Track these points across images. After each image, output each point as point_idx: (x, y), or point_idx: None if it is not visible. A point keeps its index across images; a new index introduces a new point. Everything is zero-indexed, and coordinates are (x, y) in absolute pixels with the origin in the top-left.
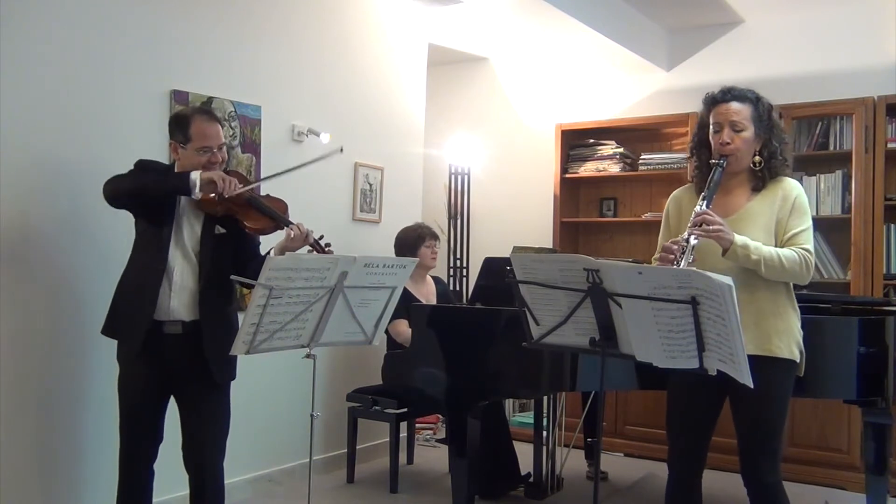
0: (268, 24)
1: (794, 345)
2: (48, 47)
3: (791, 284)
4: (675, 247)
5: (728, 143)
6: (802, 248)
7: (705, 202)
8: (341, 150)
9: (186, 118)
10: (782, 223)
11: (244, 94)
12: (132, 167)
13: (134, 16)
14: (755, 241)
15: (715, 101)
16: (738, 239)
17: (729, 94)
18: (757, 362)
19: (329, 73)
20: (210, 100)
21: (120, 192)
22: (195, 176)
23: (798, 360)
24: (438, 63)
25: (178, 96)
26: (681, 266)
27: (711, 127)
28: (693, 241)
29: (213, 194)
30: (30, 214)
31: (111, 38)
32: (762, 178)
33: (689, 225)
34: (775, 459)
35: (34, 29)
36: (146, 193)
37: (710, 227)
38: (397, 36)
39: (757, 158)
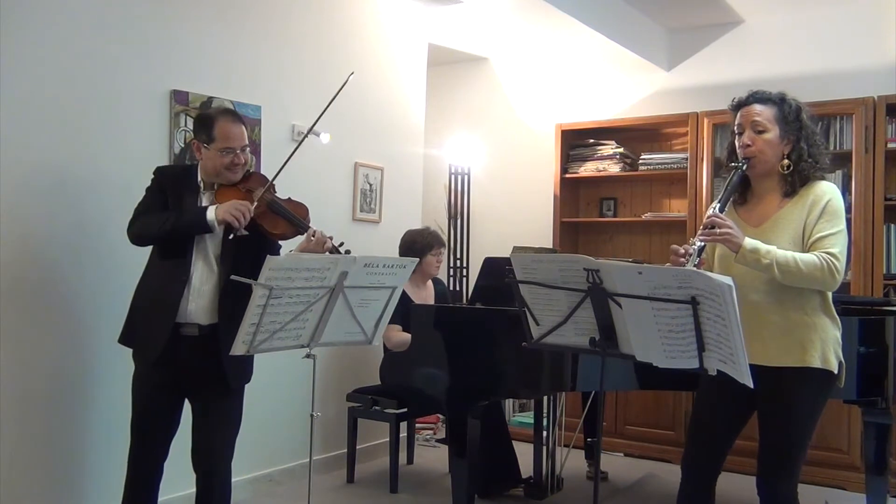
0: (268, 24)
1: (830, 354)
2: (48, 48)
3: (829, 293)
4: (683, 250)
5: (749, 145)
6: (827, 252)
7: (719, 205)
8: (352, 73)
9: (211, 118)
10: (809, 227)
11: (244, 94)
12: (152, 174)
13: (134, 16)
14: (769, 246)
15: (739, 104)
16: (748, 242)
17: (752, 96)
18: (789, 374)
19: (329, 72)
20: (210, 100)
21: (144, 238)
22: (211, 215)
23: (836, 371)
24: (438, 63)
25: (178, 96)
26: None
27: (735, 130)
28: (699, 243)
29: (230, 235)
30: (31, 216)
31: (111, 38)
32: (792, 182)
33: (700, 228)
34: (792, 477)
35: (34, 29)
36: (171, 238)
37: (718, 231)
38: (397, 36)
39: (785, 162)
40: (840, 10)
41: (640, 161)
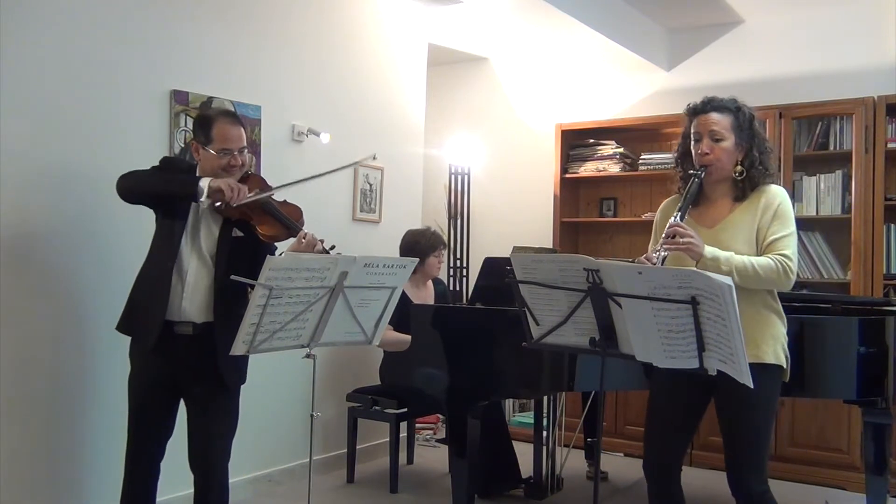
0: (268, 23)
1: (780, 349)
2: (48, 48)
3: (775, 290)
4: (647, 262)
5: (707, 154)
6: (780, 255)
7: (679, 214)
8: (374, 157)
9: (209, 119)
10: (763, 230)
11: (244, 94)
12: (157, 163)
13: (134, 16)
14: (727, 252)
15: (695, 111)
16: (708, 251)
17: (709, 104)
18: None
19: (329, 73)
20: (210, 100)
21: (130, 190)
22: (204, 183)
23: (785, 366)
24: (438, 63)
25: (178, 96)
26: None
27: (692, 137)
28: (663, 253)
29: (219, 202)
30: (31, 215)
31: (111, 38)
32: (743, 188)
33: (661, 236)
34: (762, 470)
35: (34, 29)
36: (155, 195)
37: (681, 240)
38: (397, 36)
39: (738, 168)
40: (840, 10)
41: (640, 161)
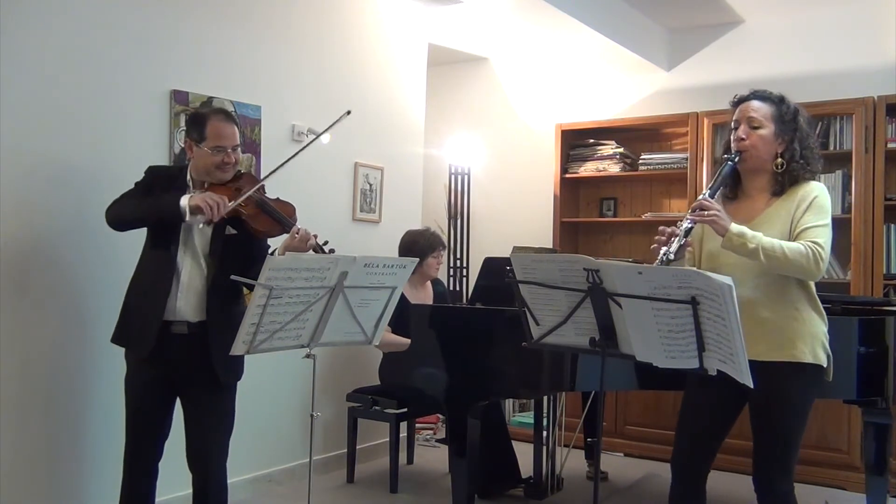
0: (268, 23)
1: (819, 349)
2: (48, 48)
3: (813, 288)
4: (669, 230)
5: (743, 139)
6: (812, 241)
7: (708, 192)
8: (349, 112)
9: (203, 117)
10: (795, 220)
11: (244, 94)
12: (143, 174)
13: (134, 16)
14: (756, 232)
15: (740, 100)
16: (735, 227)
17: (753, 93)
18: (781, 368)
19: (329, 73)
20: (210, 100)
21: (119, 222)
22: (184, 202)
23: (825, 365)
24: (438, 63)
25: (178, 96)
26: (672, 248)
27: (732, 125)
28: (687, 224)
29: (202, 222)
30: (32, 215)
31: (111, 38)
32: (781, 182)
33: (688, 212)
34: (789, 470)
35: (34, 29)
36: (143, 224)
37: (707, 213)
38: (397, 36)
39: (779, 161)
40: (840, 10)
41: (640, 161)
